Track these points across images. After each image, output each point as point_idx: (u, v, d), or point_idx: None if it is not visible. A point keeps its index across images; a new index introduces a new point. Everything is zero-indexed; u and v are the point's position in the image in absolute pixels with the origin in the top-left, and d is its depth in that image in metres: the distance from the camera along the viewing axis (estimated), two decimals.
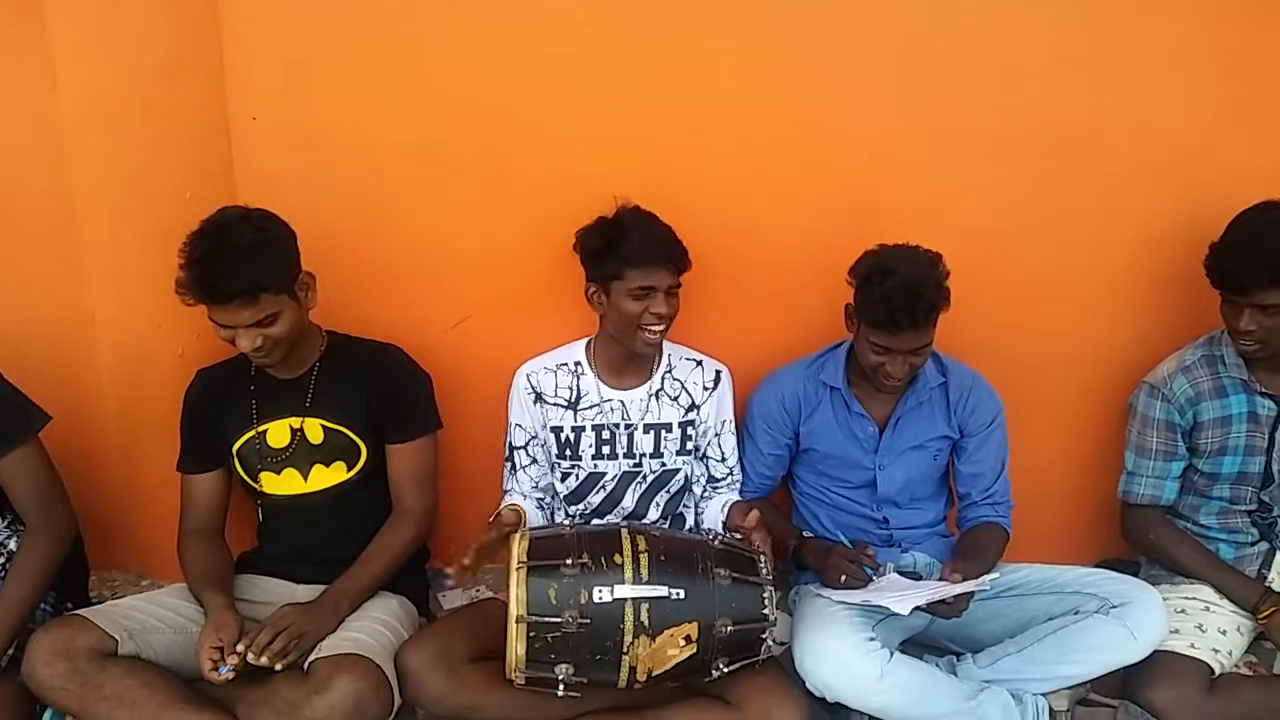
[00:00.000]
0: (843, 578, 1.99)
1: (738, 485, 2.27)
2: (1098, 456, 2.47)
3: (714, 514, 2.19)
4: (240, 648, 1.81)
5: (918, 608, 1.87)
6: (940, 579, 1.94)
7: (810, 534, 2.20)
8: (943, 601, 1.89)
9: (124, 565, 2.51)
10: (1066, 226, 2.36)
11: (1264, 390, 2.15)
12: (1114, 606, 1.97)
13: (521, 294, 2.35)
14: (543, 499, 2.25)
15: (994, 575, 1.95)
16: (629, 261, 1.98)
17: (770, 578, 1.83)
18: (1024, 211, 2.35)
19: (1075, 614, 2.00)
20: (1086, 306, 2.42)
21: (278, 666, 1.82)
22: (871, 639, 1.92)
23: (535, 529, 1.87)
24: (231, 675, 1.80)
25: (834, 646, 1.89)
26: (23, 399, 2.00)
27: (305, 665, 1.85)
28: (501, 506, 2.15)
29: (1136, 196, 2.33)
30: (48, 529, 1.98)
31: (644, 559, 1.78)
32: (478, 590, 2.46)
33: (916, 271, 1.96)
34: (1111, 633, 1.94)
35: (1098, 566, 2.22)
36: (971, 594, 1.92)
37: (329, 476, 2.10)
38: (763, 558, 1.87)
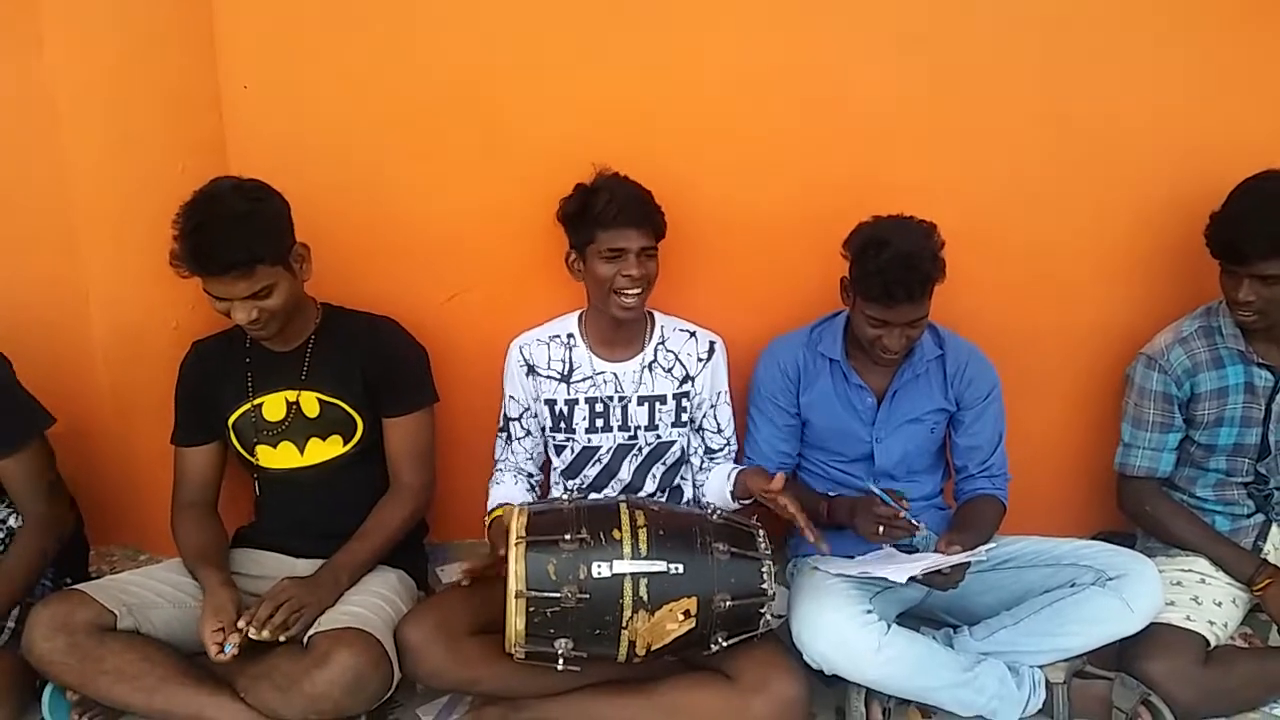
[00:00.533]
0: (880, 528, 1.95)
1: (733, 456, 2.27)
2: (1094, 428, 2.47)
3: (717, 486, 2.16)
4: (240, 624, 1.81)
5: (913, 578, 1.87)
6: (937, 551, 1.94)
7: (836, 494, 2.17)
8: (939, 572, 1.90)
9: (122, 541, 2.53)
10: (1064, 197, 2.35)
11: (1261, 361, 2.14)
12: (1110, 579, 1.97)
13: (517, 266, 2.35)
14: (533, 476, 2.26)
15: (990, 545, 1.95)
16: (599, 223, 1.99)
17: (769, 552, 1.84)
18: (1022, 181, 2.33)
19: (1071, 586, 2.00)
20: (1084, 277, 2.41)
21: (281, 638, 1.83)
22: (869, 611, 1.92)
23: (533, 504, 1.88)
24: (235, 653, 1.80)
25: (831, 619, 1.90)
26: (30, 402, 2.03)
27: (305, 640, 1.85)
28: (493, 503, 2.15)
29: (1136, 166, 2.32)
30: (44, 523, 2.02)
31: (643, 534, 1.78)
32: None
33: (911, 243, 1.94)
34: (1107, 605, 1.95)
35: (1094, 539, 2.18)
36: (967, 565, 1.92)
37: (325, 450, 2.10)
38: (761, 532, 1.87)
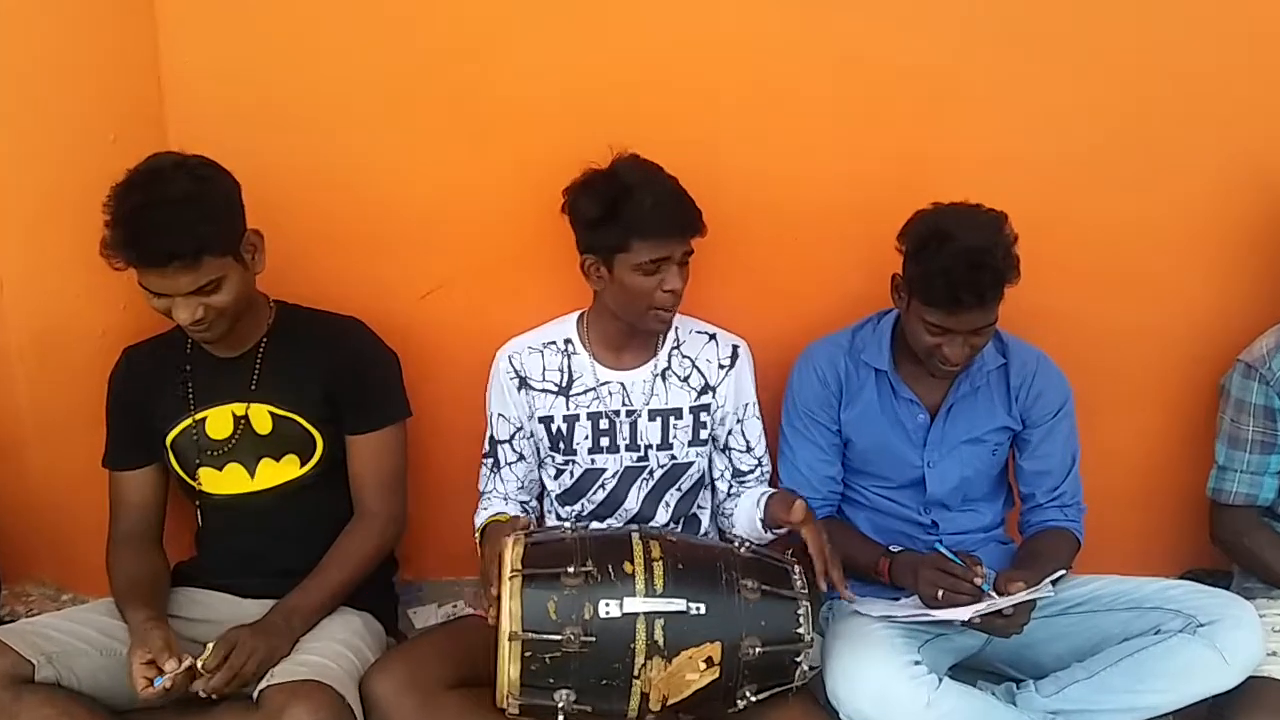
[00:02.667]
0: (940, 593, 1.95)
1: (768, 478, 2.29)
2: (1184, 449, 2.49)
3: (746, 515, 2.16)
4: (170, 666, 1.80)
5: (966, 622, 1.89)
6: (995, 590, 1.95)
7: (899, 548, 2.17)
8: (999, 614, 1.91)
9: (40, 578, 2.53)
10: (1148, 178, 2.37)
11: None
12: (1201, 625, 1.99)
13: (504, 257, 2.36)
14: (527, 503, 2.28)
15: (1058, 575, 1.96)
16: (636, 231, 1.97)
17: (805, 591, 1.85)
18: (1098, 161, 2.36)
19: (1156, 633, 2.02)
20: (1171, 272, 2.44)
21: (227, 691, 1.84)
22: (917, 663, 1.93)
23: (531, 532, 1.89)
24: (169, 685, 1.79)
25: (873, 672, 1.91)
26: None
27: (255, 694, 1.85)
28: (485, 517, 2.16)
29: (1230, 143, 2.35)
30: None
31: (658, 567, 1.80)
32: (455, 606, 2.51)
33: (981, 237, 1.96)
34: (1198, 655, 1.96)
35: (1182, 578, 2.24)
36: (1032, 605, 1.94)
37: (279, 473, 2.11)
38: (797, 568, 1.88)
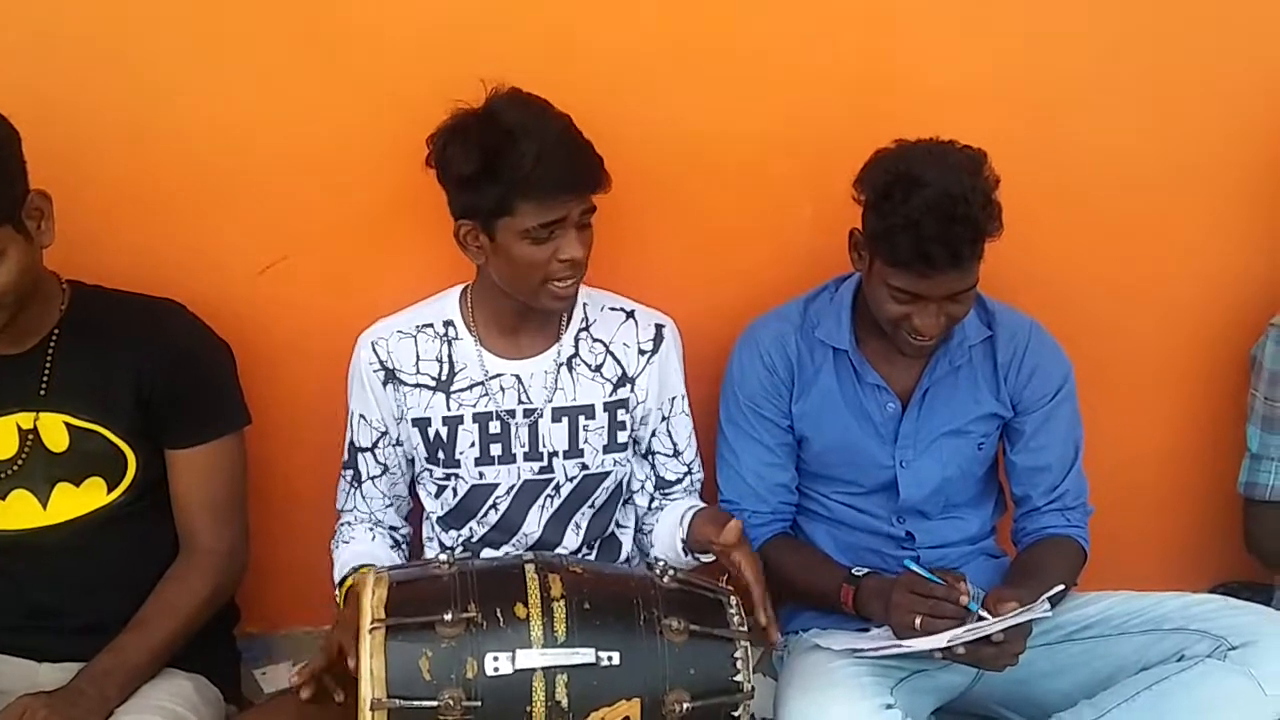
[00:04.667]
0: (917, 620, 1.93)
1: (698, 488, 2.30)
2: (1207, 436, 2.53)
3: (666, 535, 2.17)
4: None
5: (947, 652, 1.88)
6: (984, 611, 1.93)
7: (866, 570, 2.14)
8: (988, 641, 1.89)
9: None
10: (1157, 106, 2.39)
11: None
12: (1233, 648, 1.99)
13: (364, 221, 2.34)
14: (398, 530, 2.27)
15: (1056, 590, 1.97)
16: (520, 189, 1.93)
17: (744, 628, 1.82)
18: (1093, 86, 2.36)
19: (1179, 660, 2.03)
20: (1186, 221, 2.45)
21: None
22: (889, 706, 1.93)
23: (396, 569, 1.86)
24: None
25: (838, 718, 1.90)
26: None
27: None
28: (346, 565, 2.13)
29: (1253, 61, 2.37)
30: None
31: (559, 608, 1.77)
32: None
33: (956, 182, 1.94)
34: (1231, 685, 1.96)
35: (1211, 593, 2.25)
36: (1028, 629, 1.93)
37: (80, 501, 2.06)
38: (734, 599, 1.86)
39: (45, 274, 2.02)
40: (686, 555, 2.10)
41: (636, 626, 1.78)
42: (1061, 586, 2.03)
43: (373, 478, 2.20)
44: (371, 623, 1.71)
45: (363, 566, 2.07)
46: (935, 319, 2.02)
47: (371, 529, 2.21)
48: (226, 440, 2.12)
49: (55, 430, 2.03)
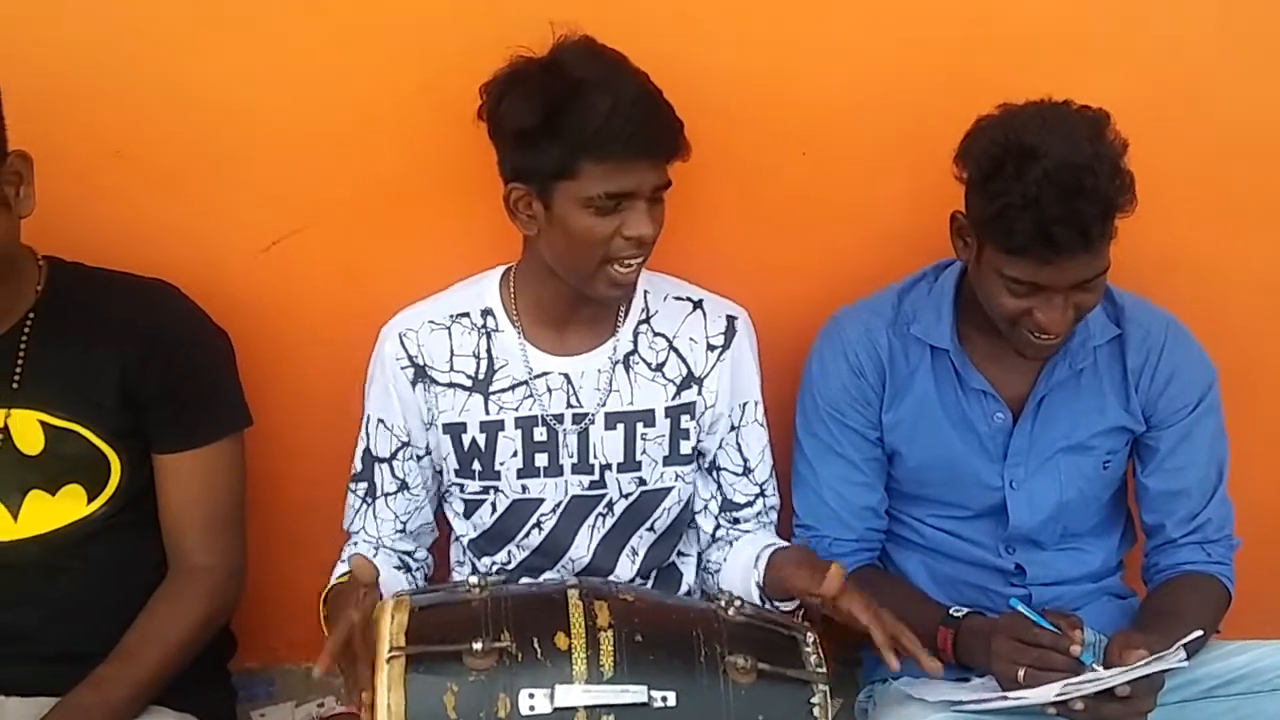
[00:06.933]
0: (1020, 672, 1.93)
1: (774, 517, 2.27)
2: None
3: (738, 574, 2.16)
4: None
5: (1061, 707, 1.88)
6: (1107, 660, 1.93)
7: (964, 610, 2.14)
8: (1110, 695, 1.88)
9: None
10: None
11: None
12: None
13: (387, 189, 2.33)
14: (413, 556, 2.25)
15: (1193, 636, 1.95)
16: (587, 148, 1.92)
17: (822, 670, 1.82)
18: (1246, 41, 2.36)
19: None
20: None
21: None
22: None
23: (418, 592, 1.87)
24: None
25: None
26: None
27: None
28: (341, 565, 2.15)
29: None
30: None
31: (606, 639, 1.78)
32: (321, 704, 2.55)
33: (1076, 149, 1.92)
34: None
35: None
36: (1160, 682, 1.92)
37: (56, 512, 2.08)
38: (810, 635, 1.87)
39: (21, 249, 2.03)
40: (767, 604, 2.09)
41: (696, 663, 1.78)
42: (1200, 632, 2.01)
43: (386, 495, 2.19)
44: (390, 650, 1.72)
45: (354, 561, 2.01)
46: (1062, 312, 1.99)
47: (377, 550, 2.20)
48: (223, 444, 2.13)
49: (28, 429, 2.04)
